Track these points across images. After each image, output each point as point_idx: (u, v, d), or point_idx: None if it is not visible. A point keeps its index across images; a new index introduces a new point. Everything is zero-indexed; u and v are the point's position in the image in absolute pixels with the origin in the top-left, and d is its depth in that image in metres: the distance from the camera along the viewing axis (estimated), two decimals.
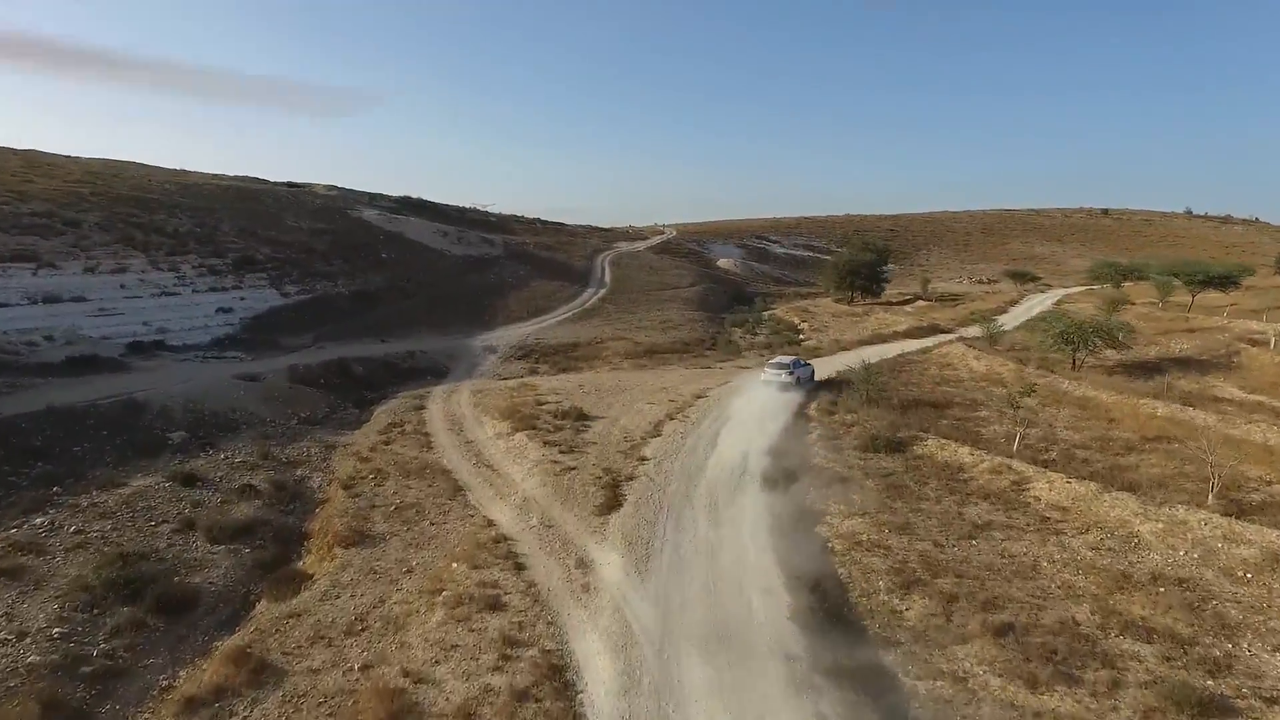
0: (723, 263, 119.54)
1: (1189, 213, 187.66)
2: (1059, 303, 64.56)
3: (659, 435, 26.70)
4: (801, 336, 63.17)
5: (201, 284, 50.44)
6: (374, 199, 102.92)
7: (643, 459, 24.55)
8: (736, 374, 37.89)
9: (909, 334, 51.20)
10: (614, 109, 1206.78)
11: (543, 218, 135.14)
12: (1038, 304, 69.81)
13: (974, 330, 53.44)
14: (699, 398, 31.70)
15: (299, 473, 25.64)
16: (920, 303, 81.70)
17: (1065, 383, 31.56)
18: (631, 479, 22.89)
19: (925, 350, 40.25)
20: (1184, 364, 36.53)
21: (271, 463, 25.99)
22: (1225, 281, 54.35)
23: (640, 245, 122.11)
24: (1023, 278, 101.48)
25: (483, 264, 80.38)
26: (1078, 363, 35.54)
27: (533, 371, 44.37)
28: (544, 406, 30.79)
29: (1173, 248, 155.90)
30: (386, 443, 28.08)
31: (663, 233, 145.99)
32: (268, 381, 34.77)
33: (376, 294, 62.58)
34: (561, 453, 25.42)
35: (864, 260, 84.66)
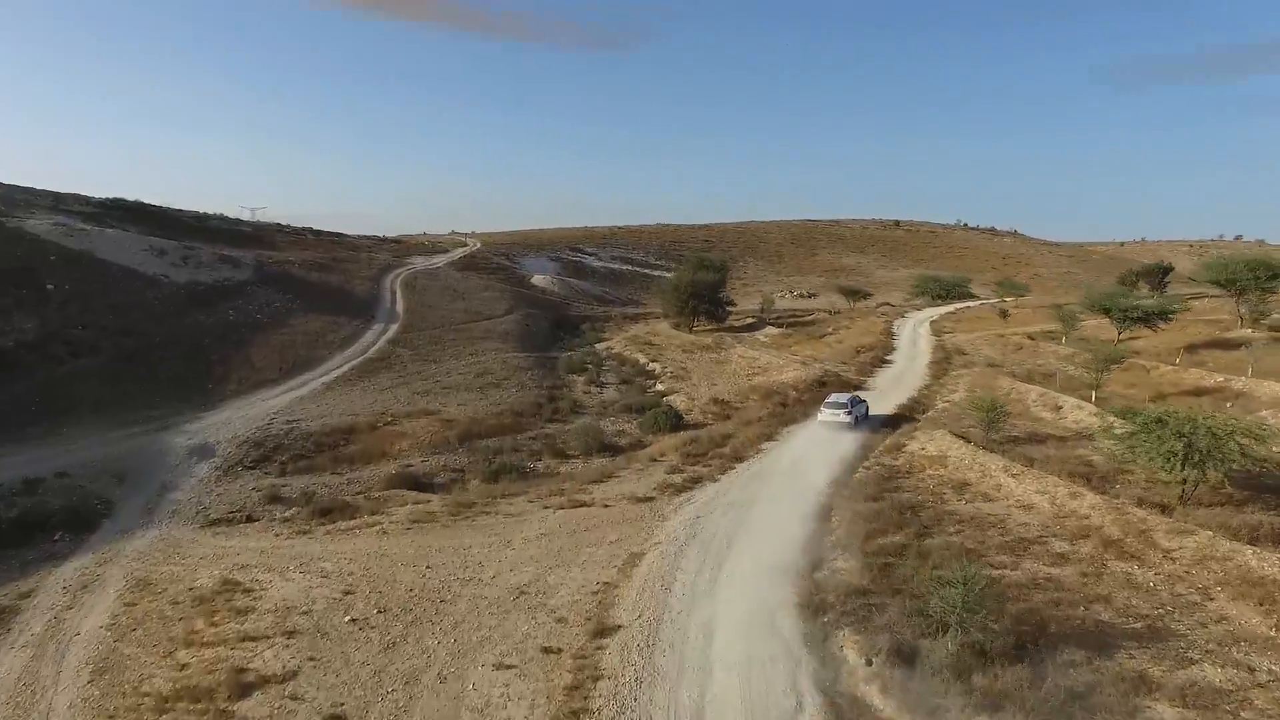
0: (538, 280, 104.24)
1: (965, 225, 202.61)
2: (942, 338, 56.96)
3: None
4: (656, 385, 50.00)
5: None
6: (60, 202, 75.20)
7: None
8: (634, 522, 22.54)
9: (808, 389, 39.48)
10: (404, 111, 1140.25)
11: (315, 227, 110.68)
12: (913, 333, 62.56)
13: (887, 378, 43.67)
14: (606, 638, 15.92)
15: None
16: (771, 330, 72.20)
17: (1223, 544, 17.62)
18: None
19: (899, 449, 27.30)
20: None
21: None
22: (1156, 317, 48.95)
23: (440, 260, 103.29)
24: (854, 294, 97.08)
25: (218, 295, 58.41)
26: (1186, 493, 21.53)
27: (272, 502, 26.44)
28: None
29: (961, 259, 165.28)
30: None
31: (465, 244, 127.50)
32: None
33: (20, 353, 40.03)
34: None
35: (706, 281, 73.71)
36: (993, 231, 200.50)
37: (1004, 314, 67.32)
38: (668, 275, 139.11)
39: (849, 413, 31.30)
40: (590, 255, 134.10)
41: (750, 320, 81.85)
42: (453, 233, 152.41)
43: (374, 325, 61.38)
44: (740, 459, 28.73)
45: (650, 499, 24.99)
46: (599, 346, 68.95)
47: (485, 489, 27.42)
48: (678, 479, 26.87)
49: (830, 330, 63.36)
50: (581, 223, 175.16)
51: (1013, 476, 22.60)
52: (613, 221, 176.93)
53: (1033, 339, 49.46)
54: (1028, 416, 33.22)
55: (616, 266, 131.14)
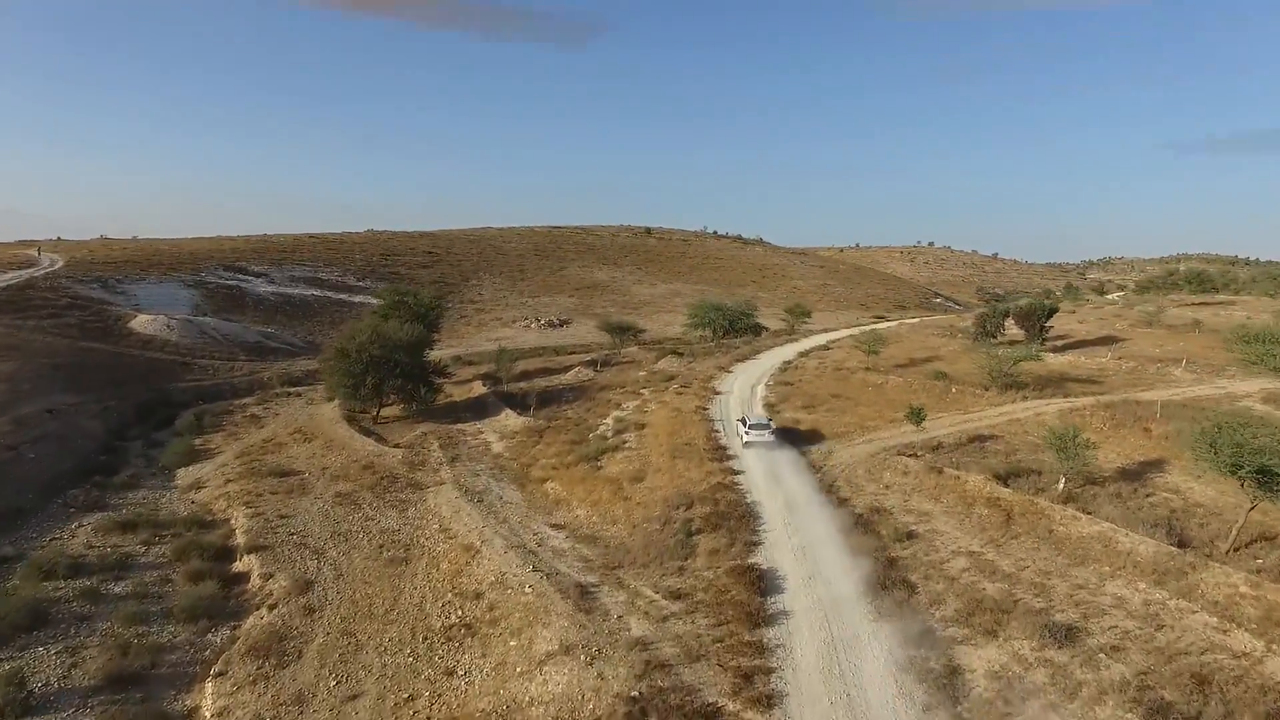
0: (144, 324, 65.93)
1: (714, 233, 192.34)
2: (832, 474, 33.10)
3: None
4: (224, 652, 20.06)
5: None
6: None
7: None
8: None
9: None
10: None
11: None
12: (744, 401, 38.46)
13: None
14: None
15: None
16: (511, 417, 44.57)
17: None
18: None
19: None
20: None
21: None
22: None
23: None
24: (623, 332, 73.04)
25: None
26: None
27: None
28: None
29: (719, 271, 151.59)
30: None
31: (35, 262, 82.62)
32: None
33: None
34: None
35: (400, 341, 43.99)
36: (741, 240, 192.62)
37: (872, 351, 47.10)
38: (374, 302, 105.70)
39: (771, 432, 31.87)
40: (257, 277, 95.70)
41: (479, 387, 53.47)
42: (31, 243, 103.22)
43: None
44: None
45: None
46: (181, 476, 36.38)
47: None
48: None
49: (612, 431, 37.16)
50: (259, 230, 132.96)
51: None
52: (308, 228, 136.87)
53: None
54: None
55: (297, 292, 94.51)
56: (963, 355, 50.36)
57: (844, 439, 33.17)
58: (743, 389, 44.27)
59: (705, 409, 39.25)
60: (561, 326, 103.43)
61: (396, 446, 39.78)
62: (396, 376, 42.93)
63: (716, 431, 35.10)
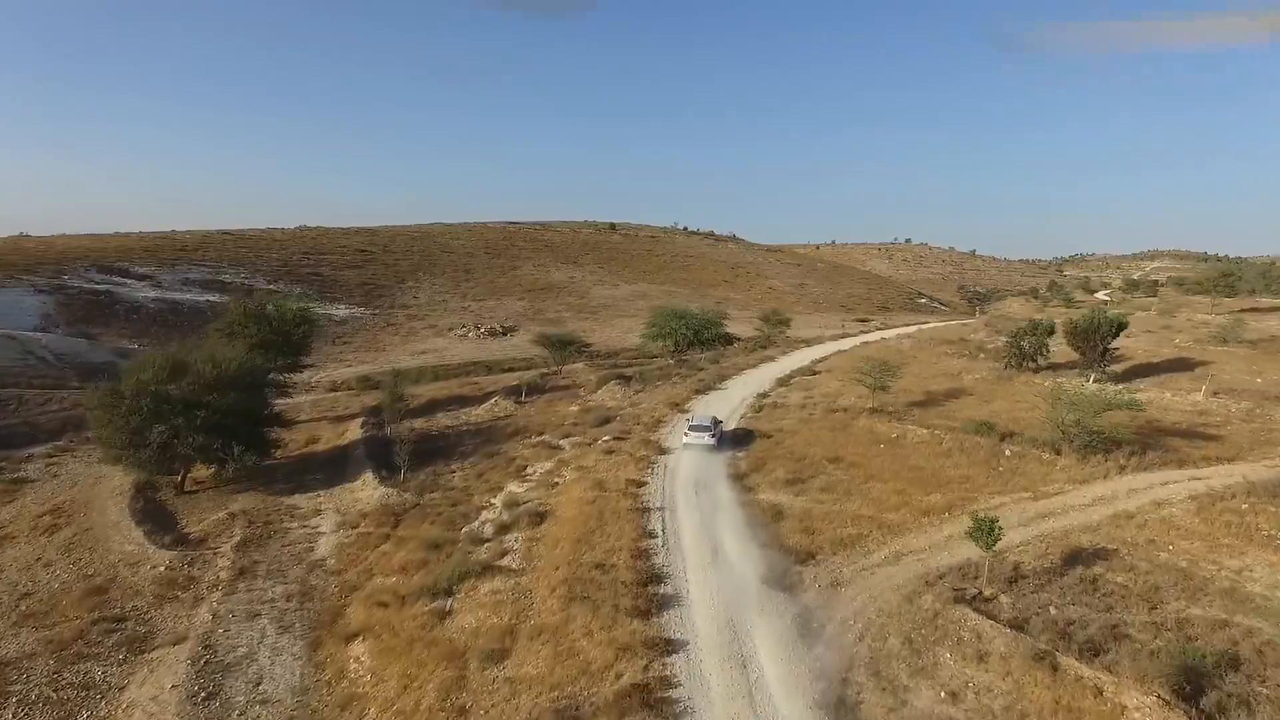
0: None
1: (685, 229, 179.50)
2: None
3: None
4: None
5: None
6: None
7: None
8: None
9: None
10: None
11: None
12: (716, 559, 25.70)
13: None
14: None
15: None
16: (368, 486, 31.26)
17: None
18: None
19: None
20: None
21: None
22: None
23: None
24: (565, 346, 59.67)
25: None
26: None
27: None
28: None
29: (689, 270, 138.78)
30: None
31: None
32: None
33: None
34: None
35: (216, 378, 30.45)
36: (713, 236, 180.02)
37: (880, 386, 33.92)
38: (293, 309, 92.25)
39: (712, 434, 29.66)
40: (141, 280, 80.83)
41: (355, 428, 40.15)
42: None
43: None
44: None
45: None
46: None
47: None
48: None
49: (495, 527, 23.61)
50: (165, 226, 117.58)
51: None
52: (226, 224, 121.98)
53: None
54: None
55: (189, 298, 79.82)
56: (997, 388, 37.85)
57: (855, 550, 20.26)
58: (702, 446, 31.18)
59: (641, 484, 26.10)
60: (505, 335, 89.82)
61: (178, 543, 26.25)
62: (198, 430, 29.26)
63: (653, 536, 21.96)
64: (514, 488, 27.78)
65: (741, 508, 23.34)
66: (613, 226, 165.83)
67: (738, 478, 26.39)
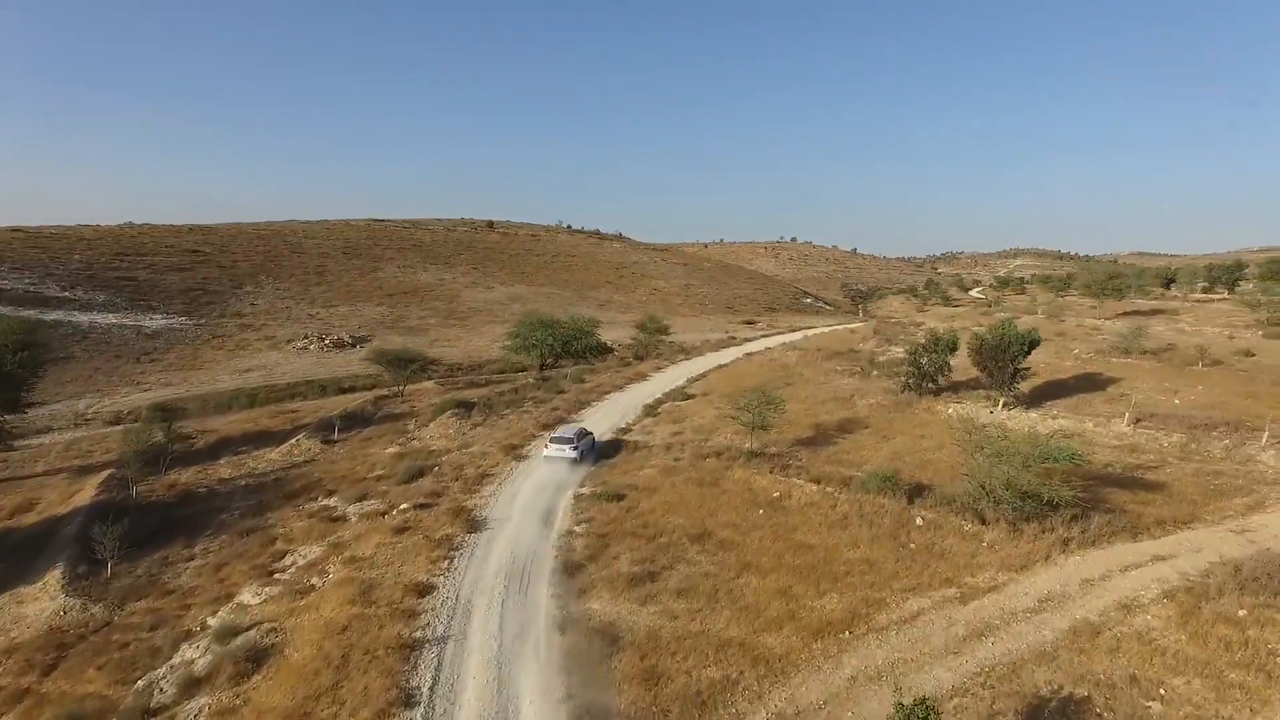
0: None
1: (568, 228, 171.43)
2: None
3: None
4: None
5: None
6: None
7: None
8: None
9: None
10: None
11: None
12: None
13: None
14: None
15: None
16: (34, 600, 21.76)
17: None
18: None
19: None
20: None
21: None
22: None
23: None
24: (405, 365, 50.50)
25: None
26: None
27: None
28: None
29: (571, 270, 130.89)
30: None
31: None
32: None
33: None
34: None
35: None
36: (598, 235, 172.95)
37: (760, 426, 27.08)
38: (80, 319, 77.67)
39: (575, 448, 28.01)
40: None
41: (90, 488, 30.18)
42: None
43: None
44: None
45: None
46: None
47: None
48: None
49: (180, 684, 15.68)
50: None
51: None
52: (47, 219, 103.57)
53: None
54: None
55: None
56: (896, 416, 32.41)
57: (720, 715, 13.26)
58: (532, 505, 23.62)
59: (428, 591, 18.23)
60: (354, 346, 78.91)
61: None
62: None
63: (412, 702, 14.16)
64: (248, 597, 19.29)
65: (562, 632, 15.97)
66: (490, 224, 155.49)
67: (569, 571, 18.99)
